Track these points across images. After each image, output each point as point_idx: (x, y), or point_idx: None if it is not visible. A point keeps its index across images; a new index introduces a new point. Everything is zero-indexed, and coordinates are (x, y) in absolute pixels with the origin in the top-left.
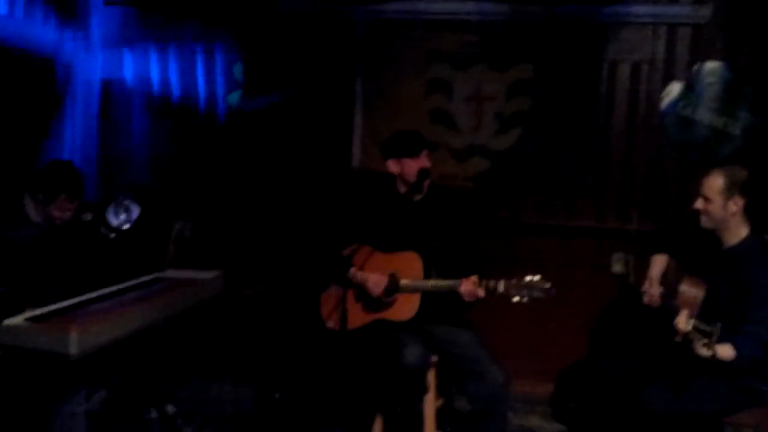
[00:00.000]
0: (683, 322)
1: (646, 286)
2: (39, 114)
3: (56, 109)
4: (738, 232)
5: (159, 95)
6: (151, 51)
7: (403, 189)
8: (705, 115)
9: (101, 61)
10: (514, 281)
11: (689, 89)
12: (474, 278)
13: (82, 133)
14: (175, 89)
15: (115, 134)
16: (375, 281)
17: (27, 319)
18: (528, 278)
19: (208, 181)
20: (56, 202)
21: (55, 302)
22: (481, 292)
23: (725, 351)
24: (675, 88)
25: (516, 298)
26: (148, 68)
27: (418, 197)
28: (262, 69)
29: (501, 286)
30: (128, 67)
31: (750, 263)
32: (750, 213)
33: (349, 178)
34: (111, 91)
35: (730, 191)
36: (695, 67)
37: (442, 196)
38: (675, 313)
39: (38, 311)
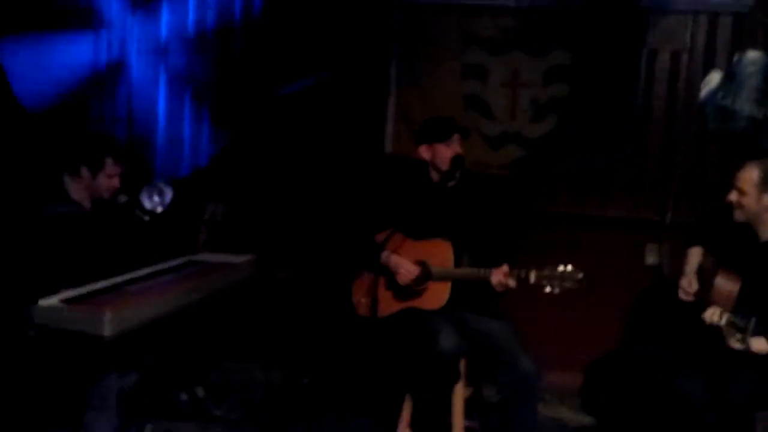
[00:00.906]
0: (714, 316)
1: (682, 282)
2: None
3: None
4: None
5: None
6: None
7: (435, 176)
8: (745, 105)
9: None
10: (546, 271)
11: (729, 79)
12: (505, 268)
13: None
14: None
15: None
16: (407, 270)
17: (62, 300)
18: (560, 268)
19: (242, 164)
20: (104, 169)
21: (89, 284)
22: (512, 282)
23: (760, 344)
24: (715, 78)
25: (548, 289)
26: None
27: (451, 184)
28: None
29: (532, 276)
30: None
31: None
32: None
33: (382, 163)
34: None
35: (765, 184)
36: (736, 56)
37: (475, 184)
38: (708, 306)
39: (73, 292)
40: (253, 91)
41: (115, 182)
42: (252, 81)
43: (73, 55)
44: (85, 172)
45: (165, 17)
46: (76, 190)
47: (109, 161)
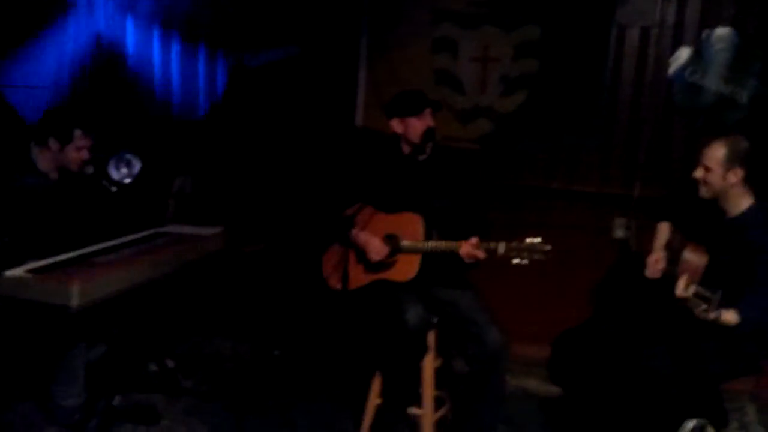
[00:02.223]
0: (681, 288)
1: (650, 258)
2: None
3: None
4: (740, 202)
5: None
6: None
7: (406, 149)
8: (713, 81)
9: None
10: (514, 243)
11: (698, 55)
12: (474, 240)
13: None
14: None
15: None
16: (376, 248)
17: (28, 271)
18: (528, 240)
19: (210, 136)
20: (73, 141)
21: (56, 255)
22: (481, 254)
23: (729, 315)
24: (683, 54)
25: (516, 260)
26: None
27: (421, 157)
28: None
29: (501, 248)
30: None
31: (755, 231)
32: (755, 181)
33: (352, 136)
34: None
35: (730, 162)
36: (705, 32)
37: (446, 157)
38: (676, 279)
39: (40, 263)
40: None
41: (84, 154)
42: (221, 52)
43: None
44: (53, 143)
45: None
46: (44, 161)
47: (77, 133)
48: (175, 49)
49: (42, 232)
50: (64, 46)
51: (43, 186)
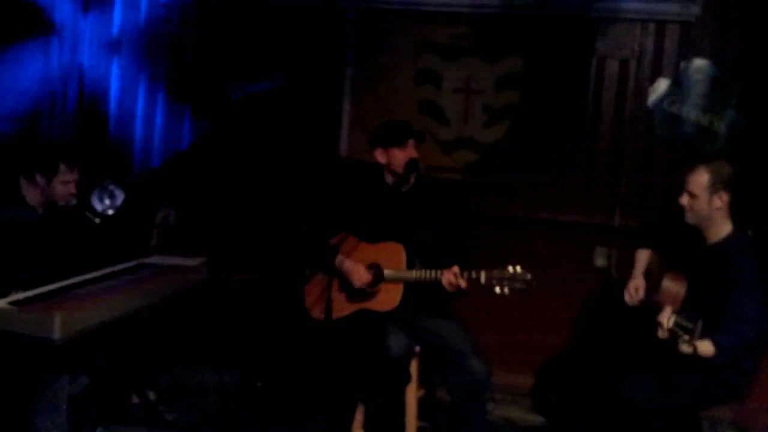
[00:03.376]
0: (665, 318)
1: (630, 284)
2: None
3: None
4: (722, 228)
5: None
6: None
7: (390, 179)
8: (691, 112)
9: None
10: (495, 272)
11: (676, 86)
12: (455, 269)
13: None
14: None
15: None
16: (359, 275)
17: (11, 303)
18: (510, 269)
19: (195, 167)
20: (58, 175)
21: (39, 286)
22: (462, 283)
23: (705, 347)
24: (662, 85)
25: (497, 289)
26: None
27: (405, 188)
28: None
29: (482, 277)
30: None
31: (734, 259)
32: (734, 209)
33: (336, 167)
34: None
35: (715, 187)
36: (683, 64)
37: (429, 187)
38: (656, 308)
39: (22, 295)
40: (207, 94)
41: (71, 188)
42: (205, 84)
43: (30, 62)
44: (39, 178)
45: (117, 18)
46: (32, 196)
47: (62, 168)
48: (161, 84)
49: (26, 264)
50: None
51: (27, 219)
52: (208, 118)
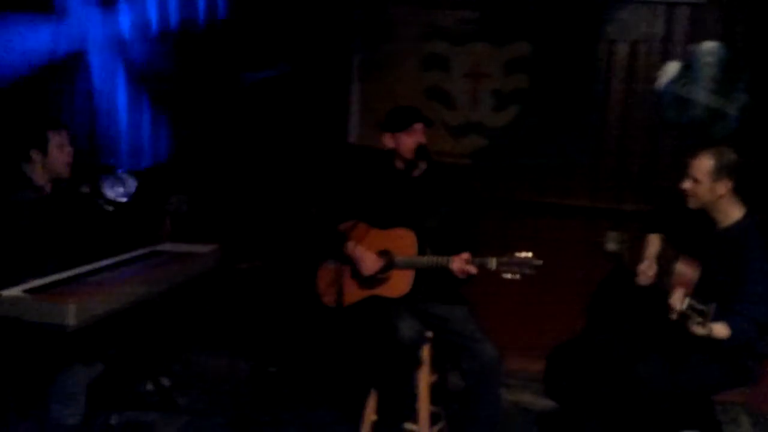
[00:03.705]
0: (678, 300)
1: (642, 266)
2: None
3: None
4: (730, 213)
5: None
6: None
7: (400, 165)
8: (701, 94)
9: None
10: (505, 258)
11: (686, 69)
12: (465, 255)
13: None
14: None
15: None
16: (369, 262)
17: (25, 291)
18: (519, 255)
19: (206, 155)
20: (50, 143)
21: (52, 274)
22: (472, 269)
23: (720, 330)
24: (672, 68)
25: (507, 275)
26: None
27: (415, 173)
28: (260, 43)
29: (492, 264)
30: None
31: (745, 244)
32: (745, 193)
33: (346, 153)
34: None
35: (718, 173)
36: (692, 46)
37: (440, 173)
38: (668, 292)
39: (36, 282)
40: (216, 82)
41: (67, 151)
42: (214, 72)
43: (31, 39)
44: (35, 154)
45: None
46: (37, 175)
47: (51, 134)
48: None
49: (37, 248)
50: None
51: (37, 200)
52: (218, 106)
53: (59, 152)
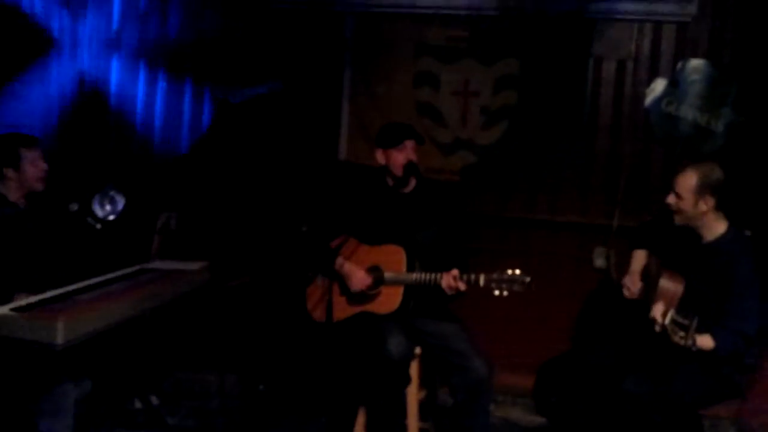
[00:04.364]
0: (659, 314)
1: (626, 280)
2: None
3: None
4: (715, 228)
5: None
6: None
7: (390, 181)
8: (688, 111)
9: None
10: (494, 275)
11: (673, 86)
12: (455, 272)
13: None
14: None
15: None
16: (359, 279)
17: (13, 309)
18: (508, 272)
19: (195, 172)
20: (23, 160)
21: (41, 292)
22: (461, 286)
23: (705, 341)
24: (659, 85)
25: (496, 292)
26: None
27: (406, 190)
28: (251, 61)
29: (481, 280)
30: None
31: (730, 258)
32: (729, 208)
33: (337, 170)
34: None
35: (701, 190)
36: (679, 64)
37: (430, 190)
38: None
39: (24, 301)
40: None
41: (41, 166)
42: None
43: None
44: (9, 172)
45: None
46: (11, 192)
47: (23, 151)
48: (161, 85)
49: (20, 264)
50: (48, 85)
51: (14, 215)
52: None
53: (33, 168)
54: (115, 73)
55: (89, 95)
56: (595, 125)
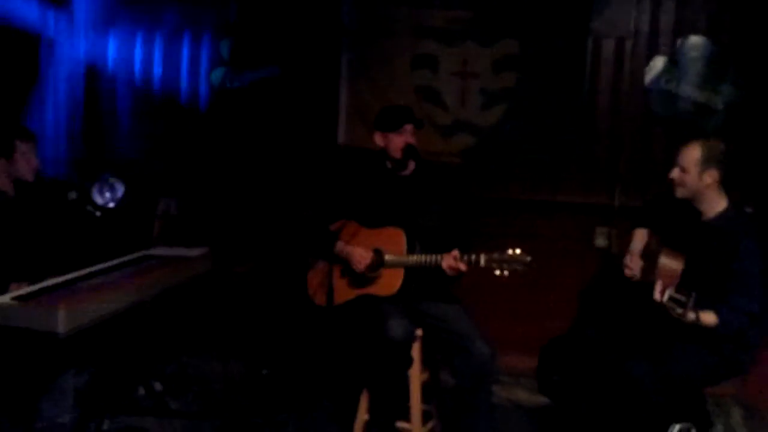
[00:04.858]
0: (658, 292)
1: (626, 259)
2: (20, 89)
3: (38, 86)
4: (716, 204)
5: (144, 73)
6: (137, 30)
7: (389, 164)
8: (688, 89)
9: (85, 43)
10: (495, 255)
11: (672, 64)
12: (455, 252)
13: (66, 113)
14: (160, 68)
15: (100, 114)
16: (359, 257)
17: (14, 298)
18: (509, 252)
19: (194, 158)
20: (16, 152)
21: (39, 281)
22: (462, 266)
23: (708, 317)
24: (658, 63)
25: (497, 272)
26: (134, 48)
27: (405, 173)
28: (249, 46)
29: (482, 260)
30: (113, 48)
31: (731, 235)
32: (731, 185)
33: (335, 154)
34: (95, 71)
35: (706, 163)
36: (678, 41)
37: (430, 172)
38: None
39: (25, 290)
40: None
41: (33, 160)
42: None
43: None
44: (0, 161)
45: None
46: (2, 178)
47: (18, 142)
48: (158, 45)
49: (12, 252)
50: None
51: (3, 202)
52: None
53: (24, 161)
54: (113, 49)
55: (90, 80)
56: (594, 104)
